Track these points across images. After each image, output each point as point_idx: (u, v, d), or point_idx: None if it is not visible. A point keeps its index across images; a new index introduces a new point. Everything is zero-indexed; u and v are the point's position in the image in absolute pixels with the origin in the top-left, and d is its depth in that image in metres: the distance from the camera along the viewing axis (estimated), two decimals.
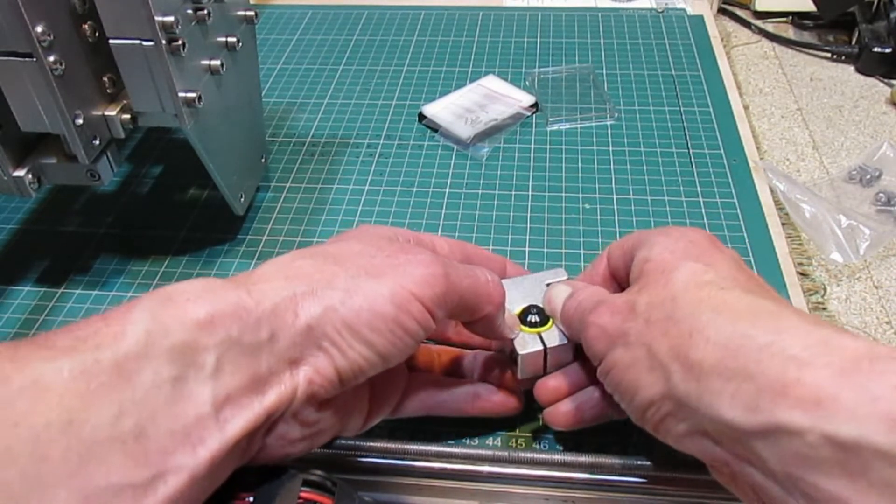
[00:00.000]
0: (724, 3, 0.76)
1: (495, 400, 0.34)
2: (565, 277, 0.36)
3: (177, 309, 0.23)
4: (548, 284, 0.36)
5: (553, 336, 0.33)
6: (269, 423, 0.25)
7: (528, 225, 0.49)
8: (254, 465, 0.26)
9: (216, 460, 0.22)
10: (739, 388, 0.22)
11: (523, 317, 0.34)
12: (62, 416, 0.20)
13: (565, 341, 0.33)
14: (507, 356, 0.35)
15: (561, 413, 0.33)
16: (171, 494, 0.21)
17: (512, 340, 0.33)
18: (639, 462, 0.31)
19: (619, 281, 0.34)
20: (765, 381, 0.22)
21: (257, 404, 0.24)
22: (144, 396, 0.21)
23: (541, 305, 0.35)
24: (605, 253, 0.35)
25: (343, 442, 0.32)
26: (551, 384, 0.33)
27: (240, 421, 0.23)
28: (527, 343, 0.33)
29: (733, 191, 0.51)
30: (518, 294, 0.35)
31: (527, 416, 0.36)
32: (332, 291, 0.26)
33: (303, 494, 0.26)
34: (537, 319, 0.34)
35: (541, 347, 0.33)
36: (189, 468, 0.22)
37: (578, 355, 0.34)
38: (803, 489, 0.21)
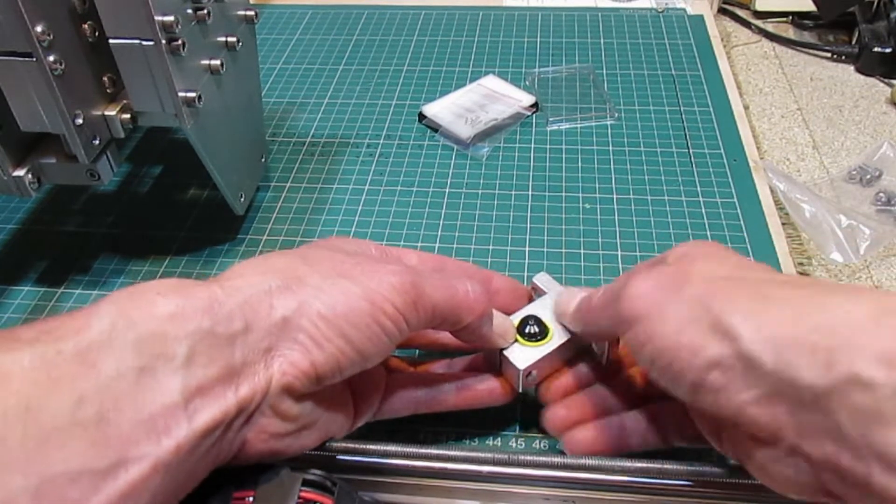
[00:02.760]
0: (724, 3, 0.76)
1: (480, 388, 0.34)
2: (548, 277, 0.36)
3: (145, 302, 0.24)
4: (534, 289, 0.35)
5: (550, 345, 0.33)
6: (244, 416, 0.25)
7: (528, 225, 0.49)
8: (253, 466, 0.26)
9: (182, 450, 0.22)
10: (817, 345, 0.22)
11: (521, 328, 0.34)
12: (20, 403, 0.20)
13: (559, 349, 0.33)
14: (497, 366, 0.34)
15: (580, 442, 0.32)
16: (132, 482, 0.21)
17: (502, 351, 0.33)
18: (639, 463, 0.31)
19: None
20: (841, 338, 0.22)
21: (230, 395, 0.24)
22: (108, 385, 0.21)
23: (538, 316, 0.34)
24: (584, 303, 0.33)
25: (343, 443, 0.32)
26: (561, 413, 0.33)
27: (210, 411, 0.23)
28: (519, 355, 0.33)
29: (733, 191, 0.51)
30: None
31: (527, 416, 0.36)
32: (306, 287, 0.26)
33: (303, 494, 0.26)
34: (536, 331, 0.34)
35: (532, 361, 0.33)
36: (152, 457, 0.22)
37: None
38: (877, 449, 0.20)
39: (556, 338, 0.34)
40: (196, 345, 0.23)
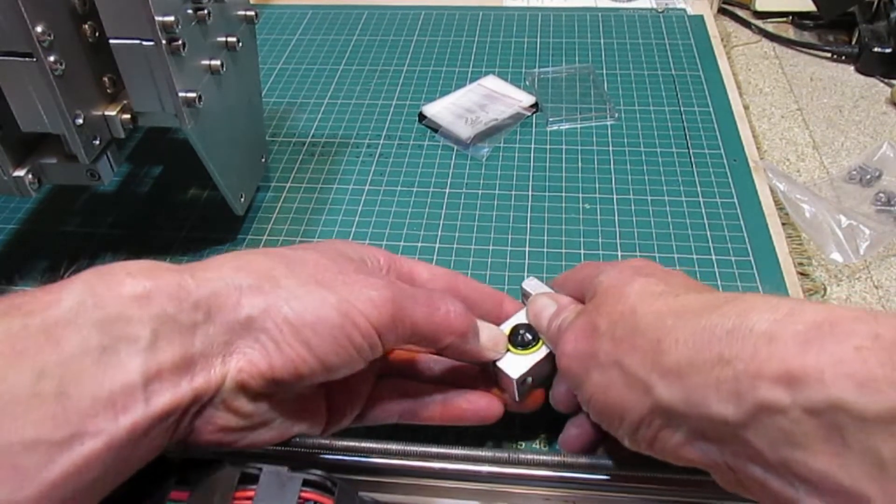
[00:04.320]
0: (724, 3, 0.76)
1: (465, 407, 0.33)
2: (537, 282, 0.36)
3: (114, 282, 0.24)
4: (524, 294, 0.35)
5: (542, 352, 0.33)
6: (197, 406, 0.25)
7: (528, 225, 0.49)
8: (254, 465, 0.26)
9: (138, 430, 0.23)
10: (719, 377, 0.22)
11: (513, 337, 0.33)
12: None
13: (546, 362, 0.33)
14: (493, 376, 0.34)
15: (574, 436, 0.33)
16: (87, 454, 0.22)
17: (495, 363, 0.33)
18: (640, 462, 0.31)
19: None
20: (741, 364, 0.21)
21: (185, 383, 0.24)
22: (69, 360, 0.22)
23: (530, 323, 0.34)
24: (575, 271, 0.34)
25: (343, 443, 0.32)
26: (573, 433, 0.33)
27: (167, 396, 0.24)
28: (513, 366, 0.32)
29: (733, 191, 0.51)
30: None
31: (527, 416, 0.36)
32: (279, 290, 0.26)
33: (303, 494, 0.26)
34: (529, 338, 0.33)
35: (524, 370, 0.32)
36: (108, 433, 0.22)
37: None
38: (797, 473, 0.20)
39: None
40: (159, 328, 0.24)
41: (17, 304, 0.23)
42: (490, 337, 0.32)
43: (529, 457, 0.32)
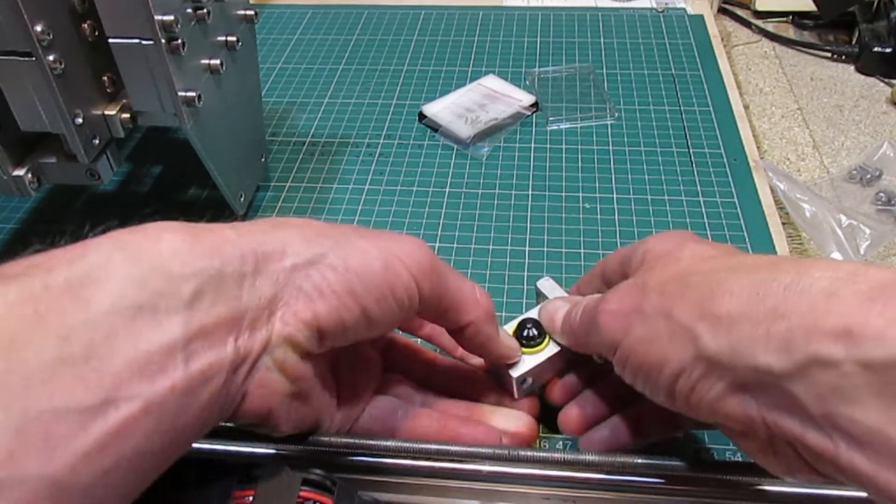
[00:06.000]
0: (724, 2, 0.76)
1: (462, 432, 0.33)
2: (552, 283, 0.36)
3: (149, 238, 0.22)
4: (537, 293, 0.35)
5: (549, 351, 0.33)
6: (247, 364, 0.24)
7: (528, 225, 0.49)
8: (254, 465, 0.26)
9: (177, 391, 0.21)
10: (771, 329, 0.22)
11: (519, 332, 0.34)
12: (3, 338, 0.19)
13: (558, 356, 0.33)
14: (501, 378, 0.34)
15: (596, 441, 0.32)
16: (122, 420, 0.20)
17: (507, 366, 0.33)
18: (641, 460, 0.31)
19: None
20: (796, 318, 0.21)
21: (230, 340, 0.23)
22: (100, 321, 0.20)
23: (536, 318, 0.34)
24: (599, 265, 0.34)
25: (343, 441, 0.32)
26: (574, 412, 0.33)
27: (208, 355, 0.22)
28: (514, 364, 0.33)
29: (733, 190, 0.51)
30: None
31: None
32: (323, 239, 0.26)
33: (303, 494, 0.26)
34: (534, 334, 0.33)
35: (525, 370, 0.32)
36: (144, 397, 0.20)
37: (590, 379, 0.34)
38: (842, 426, 0.20)
39: (553, 345, 0.33)
40: (203, 284, 0.22)
41: (35, 263, 0.21)
42: (506, 335, 0.33)
43: (530, 455, 0.32)
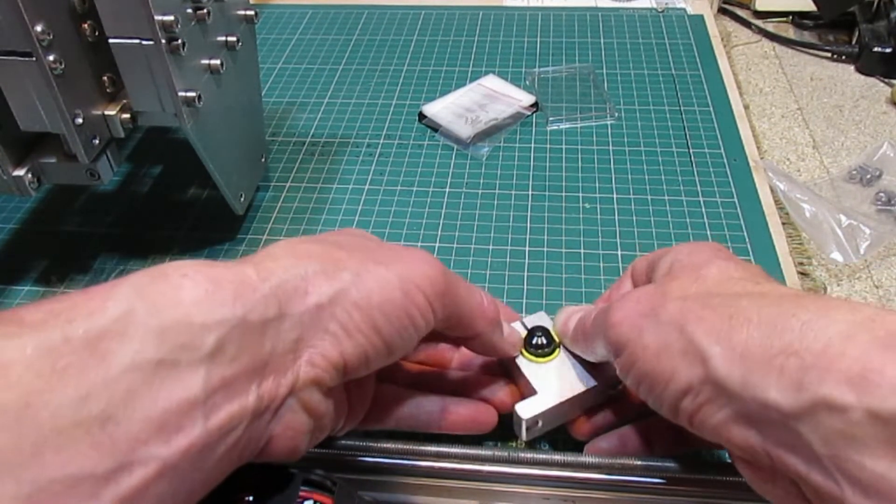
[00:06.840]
0: (724, 2, 0.76)
1: (462, 412, 0.33)
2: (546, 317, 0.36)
3: (168, 286, 0.21)
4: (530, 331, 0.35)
5: (558, 362, 0.33)
6: (270, 411, 0.23)
7: (528, 225, 0.49)
8: (254, 464, 0.26)
9: (194, 450, 0.21)
10: (785, 365, 0.21)
11: (528, 339, 0.34)
12: (20, 399, 0.18)
13: (572, 369, 0.33)
14: (509, 374, 0.34)
15: (603, 449, 0.32)
16: (136, 485, 0.19)
17: (515, 359, 0.33)
18: (640, 461, 0.31)
19: None
20: (809, 357, 0.21)
21: (254, 388, 0.22)
22: (119, 379, 0.19)
23: (546, 327, 0.34)
24: (629, 270, 0.34)
25: (343, 442, 0.32)
26: (586, 427, 0.33)
27: (230, 408, 0.22)
28: (525, 406, 0.32)
29: (733, 190, 0.51)
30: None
31: None
32: (343, 273, 0.25)
33: (303, 494, 0.26)
34: (544, 342, 0.33)
35: (534, 413, 0.32)
36: (160, 459, 0.20)
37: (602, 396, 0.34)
38: (849, 471, 0.20)
39: (562, 359, 0.33)
40: (226, 334, 0.21)
41: (55, 311, 0.20)
42: (510, 334, 0.33)
43: (529, 456, 0.32)
